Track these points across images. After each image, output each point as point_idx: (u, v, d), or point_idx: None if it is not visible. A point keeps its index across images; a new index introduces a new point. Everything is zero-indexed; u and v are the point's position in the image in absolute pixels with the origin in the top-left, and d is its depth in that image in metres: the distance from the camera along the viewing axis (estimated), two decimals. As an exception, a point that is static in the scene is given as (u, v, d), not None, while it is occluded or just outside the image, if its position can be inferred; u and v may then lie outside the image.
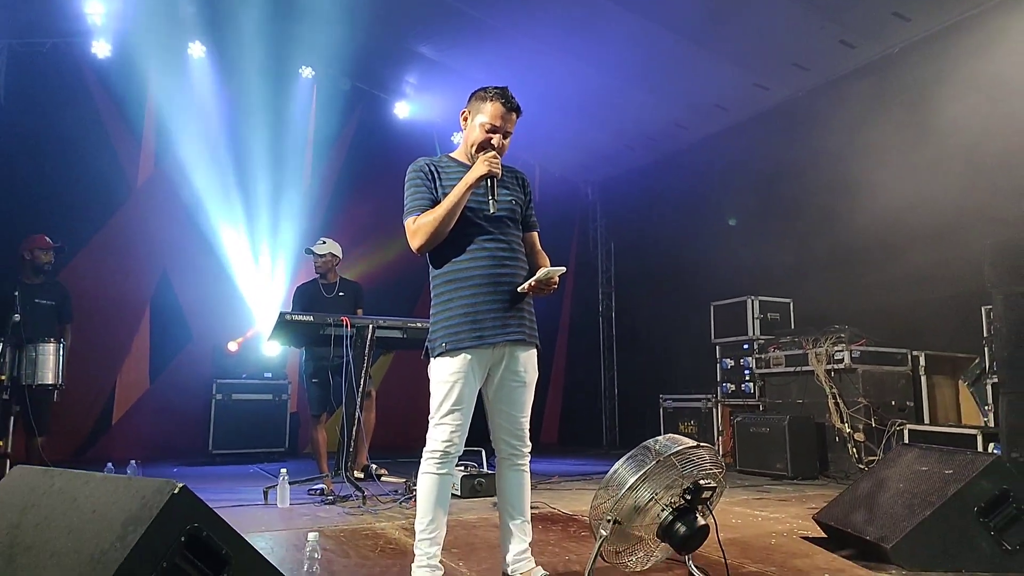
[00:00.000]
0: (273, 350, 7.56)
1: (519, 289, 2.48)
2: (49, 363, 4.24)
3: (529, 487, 2.59)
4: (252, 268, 8.12)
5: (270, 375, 7.44)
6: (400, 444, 6.84)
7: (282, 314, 4.34)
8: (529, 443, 2.59)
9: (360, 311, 5.25)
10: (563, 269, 2.46)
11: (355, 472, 4.59)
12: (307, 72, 8.67)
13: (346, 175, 8.74)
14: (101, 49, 7.53)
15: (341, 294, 5.34)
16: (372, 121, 9.01)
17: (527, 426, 2.57)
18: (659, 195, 9.33)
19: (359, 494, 4.27)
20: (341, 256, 5.50)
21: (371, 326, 4.44)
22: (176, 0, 7.34)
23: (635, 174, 9.94)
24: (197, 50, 8.00)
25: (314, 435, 5.19)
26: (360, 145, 8.84)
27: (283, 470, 4.25)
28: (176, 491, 1.63)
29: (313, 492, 4.72)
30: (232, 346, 7.38)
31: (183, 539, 1.62)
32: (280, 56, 8.33)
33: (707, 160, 8.57)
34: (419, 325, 4.59)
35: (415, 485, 4.41)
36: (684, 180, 8.90)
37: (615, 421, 10.19)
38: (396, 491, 4.61)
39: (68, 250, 5.76)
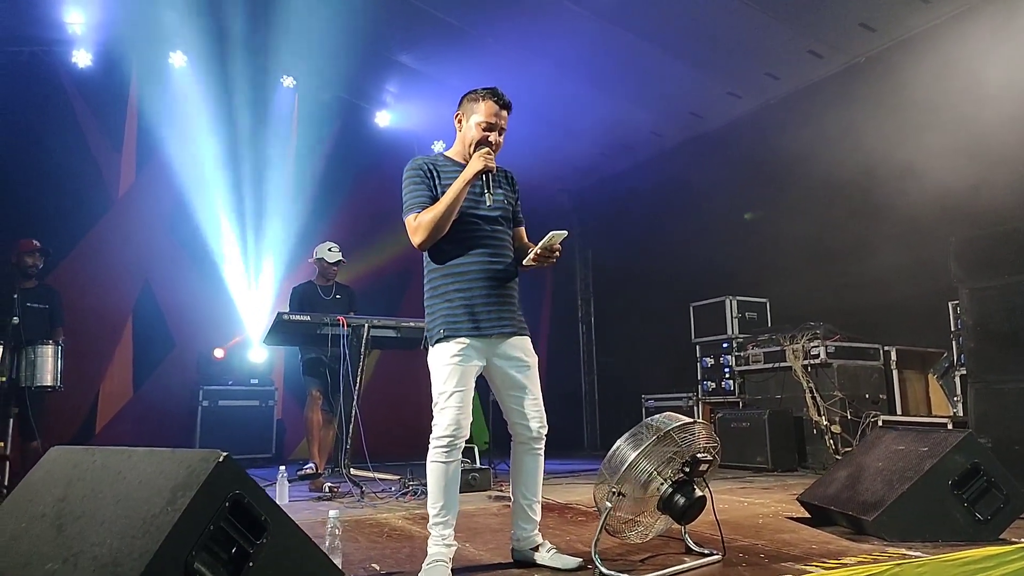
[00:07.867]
0: (259, 356, 7.60)
1: (524, 261, 2.63)
2: (48, 365, 4.26)
3: (542, 471, 2.67)
4: (237, 275, 8.13)
5: (256, 381, 7.47)
6: (380, 451, 6.85)
7: (280, 314, 4.43)
8: (546, 424, 2.66)
9: (354, 314, 5.32)
10: (565, 233, 2.56)
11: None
12: (288, 82, 8.75)
13: (329, 183, 8.79)
14: (82, 58, 7.55)
15: (339, 297, 5.45)
16: (353, 130, 9.08)
17: (541, 404, 2.65)
18: (635, 201, 9.53)
19: (357, 490, 4.35)
20: None
21: (367, 325, 4.55)
22: (157, 10, 7.39)
23: (611, 182, 10.14)
24: (178, 59, 8.04)
25: (308, 415, 5.10)
26: (342, 154, 8.90)
27: (282, 468, 4.32)
28: (220, 459, 1.74)
29: (303, 472, 4.77)
30: (219, 352, 7.40)
31: (227, 504, 1.73)
32: (261, 66, 8.39)
33: (682, 166, 8.78)
34: (412, 324, 4.70)
35: (410, 481, 4.55)
36: (660, 186, 9.11)
37: (596, 423, 10.36)
38: (391, 487, 4.69)
39: (52, 255, 5.75)
